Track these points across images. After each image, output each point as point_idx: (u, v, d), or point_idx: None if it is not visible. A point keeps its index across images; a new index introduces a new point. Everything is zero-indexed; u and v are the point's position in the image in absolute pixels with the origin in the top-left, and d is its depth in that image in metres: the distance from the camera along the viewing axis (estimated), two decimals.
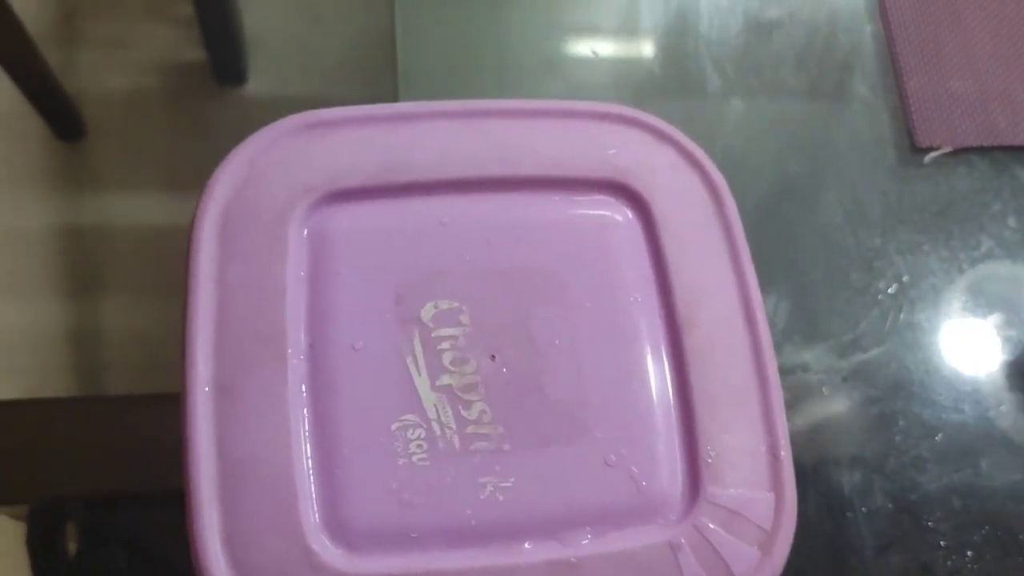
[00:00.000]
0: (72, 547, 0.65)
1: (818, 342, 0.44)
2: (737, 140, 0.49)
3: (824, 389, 0.43)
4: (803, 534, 0.40)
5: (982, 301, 0.46)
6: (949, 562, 0.41)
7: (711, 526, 0.31)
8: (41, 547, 0.63)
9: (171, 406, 0.66)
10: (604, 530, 0.30)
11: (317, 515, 0.29)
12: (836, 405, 0.43)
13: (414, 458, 0.30)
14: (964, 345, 0.45)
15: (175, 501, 0.68)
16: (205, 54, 1.17)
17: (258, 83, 1.19)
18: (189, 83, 1.19)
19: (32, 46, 1.05)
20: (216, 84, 1.19)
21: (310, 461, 0.30)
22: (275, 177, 0.33)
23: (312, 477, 0.30)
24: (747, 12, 0.52)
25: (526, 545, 0.29)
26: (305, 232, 0.33)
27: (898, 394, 0.43)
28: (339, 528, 0.29)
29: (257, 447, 0.29)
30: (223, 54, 1.18)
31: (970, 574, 0.40)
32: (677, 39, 0.51)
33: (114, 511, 0.67)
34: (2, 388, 0.73)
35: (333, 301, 0.32)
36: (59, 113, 1.14)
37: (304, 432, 0.30)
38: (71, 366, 1.01)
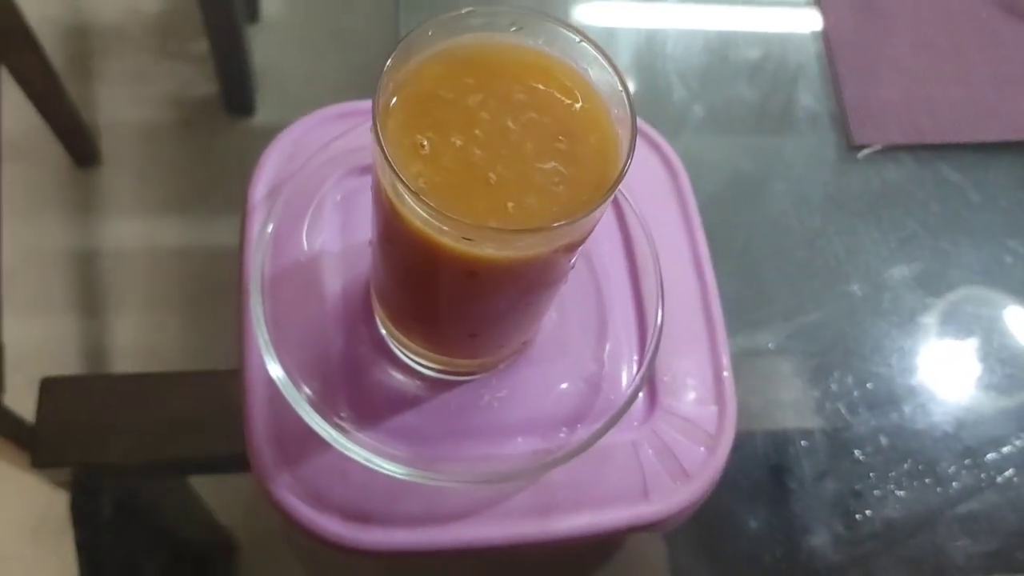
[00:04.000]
0: (109, 512, 0.72)
1: (766, 306, 0.52)
2: (697, 141, 0.57)
3: (770, 344, 0.50)
4: (751, 465, 0.48)
5: (908, 272, 0.53)
6: (876, 490, 0.48)
7: (666, 429, 0.38)
8: (82, 512, 0.70)
9: (204, 386, 0.73)
10: (577, 429, 0.37)
11: (346, 415, 0.36)
12: (780, 358, 0.50)
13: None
14: (892, 309, 0.52)
15: (203, 467, 0.74)
16: (216, 87, 1.26)
17: (265, 114, 1.27)
18: (200, 115, 1.28)
19: (56, 80, 1.13)
20: (225, 115, 1.27)
21: (340, 377, 0.37)
22: (313, 154, 0.41)
23: (342, 388, 0.37)
24: (707, 35, 0.61)
25: (519, 439, 0.37)
26: (338, 197, 0.40)
27: (834, 350, 0.51)
28: (366, 426, 0.36)
29: (299, 365, 0.37)
30: (233, 87, 1.27)
31: (894, 500, 0.48)
32: (647, 56, 0.59)
33: (144, 480, 0.74)
34: (21, 396, 0.80)
35: (359, 252, 0.40)
36: (78, 142, 1.23)
37: (338, 353, 0.38)
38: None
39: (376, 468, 0.34)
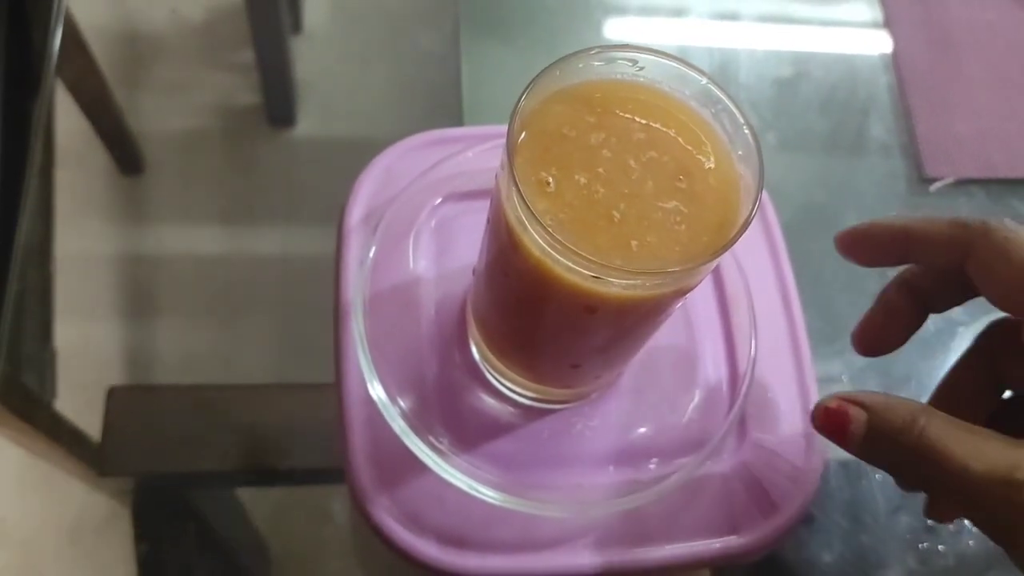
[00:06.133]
0: (168, 520, 0.73)
1: (839, 339, 0.52)
2: (771, 172, 0.57)
3: (844, 377, 0.51)
4: (826, 497, 0.48)
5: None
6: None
7: (755, 462, 0.39)
8: (145, 516, 0.71)
9: (261, 399, 0.73)
10: (668, 460, 0.38)
11: (442, 439, 0.37)
12: (854, 390, 0.50)
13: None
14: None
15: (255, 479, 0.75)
16: (257, 98, 1.27)
17: (306, 125, 1.29)
18: (242, 124, 1.29)
19: (106, 88, 1.15)
20: (267, 125, 1.29)
21: (435, 401, 0.38)
22: (407, 180, 0.42)
23: (436, 412, 0.38)
24: (779, 65, 0.61)
25: (610, 468, 0.37)
26: (433, 223, 0.41)
27: (907, 383, 0.51)
28: (462, 450, 0.37)
29: (397, 388, 0.37)
30: (275, 98, 1.28)
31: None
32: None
33: (201, 489, 0.75)
34: (64, 400, 0.81)
35: (454, 277, 0.40)
36: (123, 149, 1.24)
37: (432, 377, 0.38)
38: (126, 382, 1.09)
39: (476, 494, 0.35)
